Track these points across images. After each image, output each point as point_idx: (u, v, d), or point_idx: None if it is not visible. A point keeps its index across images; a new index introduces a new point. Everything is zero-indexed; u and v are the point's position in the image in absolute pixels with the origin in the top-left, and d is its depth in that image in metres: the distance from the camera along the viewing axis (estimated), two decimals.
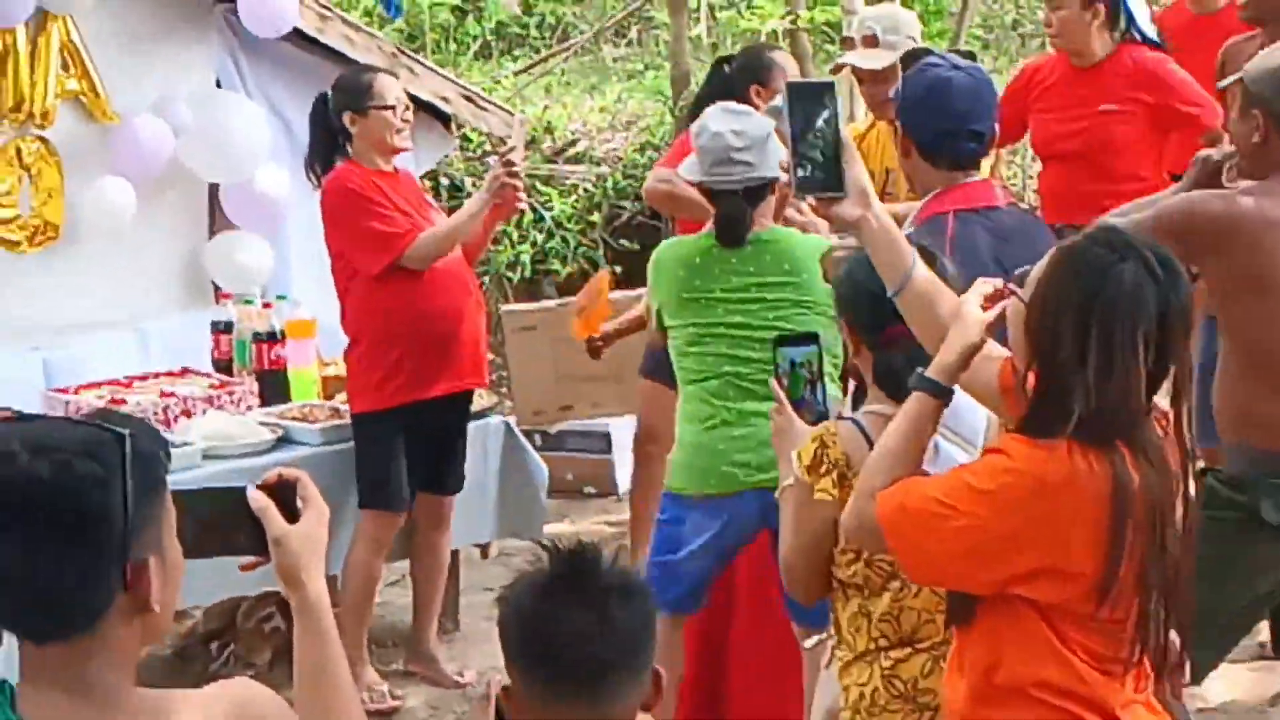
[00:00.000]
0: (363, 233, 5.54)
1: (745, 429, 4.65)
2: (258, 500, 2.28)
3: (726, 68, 6.40)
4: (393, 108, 5.61)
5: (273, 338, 6.12)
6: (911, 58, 5.26)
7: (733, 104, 5.02)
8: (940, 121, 3.96)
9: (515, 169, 5.52)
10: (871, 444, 3.12)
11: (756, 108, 6.12)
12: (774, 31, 11.80)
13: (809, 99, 3.02)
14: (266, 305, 6.37)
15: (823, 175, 3.02)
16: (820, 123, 3.01)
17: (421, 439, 5.66)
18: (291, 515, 2.29)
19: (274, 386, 6.06)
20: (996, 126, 4.07)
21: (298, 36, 6.99)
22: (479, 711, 2.63)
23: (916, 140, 4.00)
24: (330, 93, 5.73)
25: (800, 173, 3.02)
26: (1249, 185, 4.06)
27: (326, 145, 5.71)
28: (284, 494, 2.31)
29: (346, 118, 5.63)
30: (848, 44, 6.48)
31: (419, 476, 5.74)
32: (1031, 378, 2.74)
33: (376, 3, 11.51)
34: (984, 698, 2.83)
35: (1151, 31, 6.18)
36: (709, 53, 11.89)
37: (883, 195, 5.61)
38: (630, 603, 2.54)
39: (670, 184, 5.81)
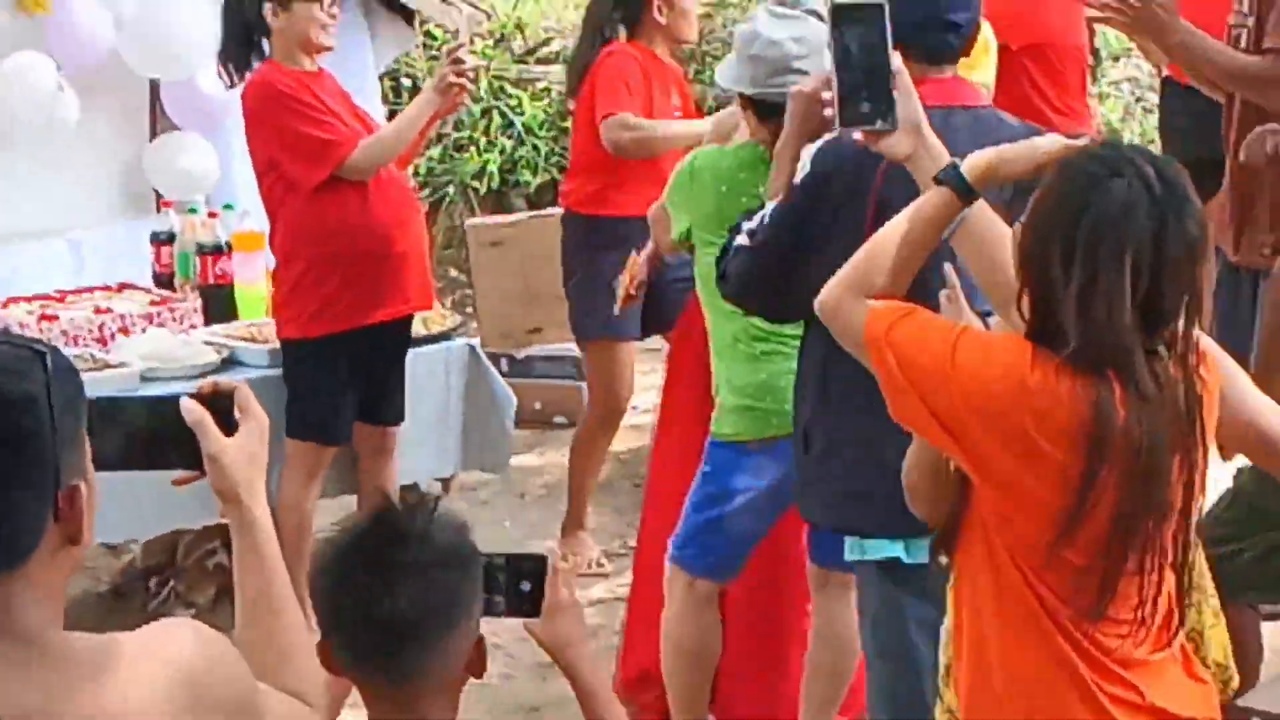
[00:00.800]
0: (297, 140, 5.43)
1: (771, 366, 4.59)
2: (192, 411, 2.26)
3: None
4: (319, 1, 5.47)
5: (218, 250, 6.10)
6: None
7: (782, 7, 4.90)
8: (913, 10, 3.84)
9: (464, 67, 5.43)
10: None
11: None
12: None
13: (856, 21, 2.95)
14: (212, 215, 6.32)
15: (871, 107, 2.96)
16: (868, 48, 2.95)
17: (361, 366, 5.59)
18: (229, 428, 2.28)
19: (219, 303, 6.04)
20: (980, 20, 3.92)
21: None
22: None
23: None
24: None
25: (845, 104, 2.95)
26: None
27: (242, 40, 5.57)
28: (220, 405, 2.29)
29: (268, 9, 5.48)
30: None
31: (357, 406, 5.68)
32: (1026, 299, 2.75)
33: None
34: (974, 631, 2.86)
35: None
36: None
37: None
38: (433, 570, 2.50)
39: (641, 130, 5.78)
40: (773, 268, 3.90)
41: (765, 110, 4.56)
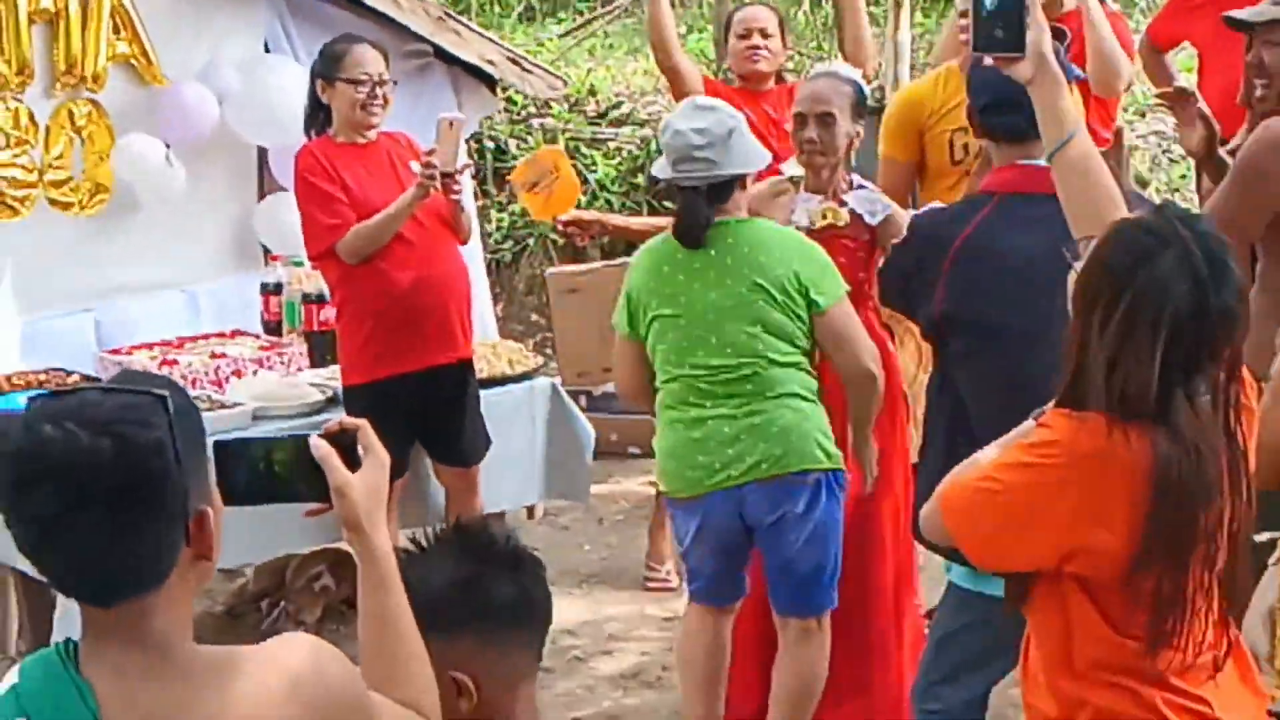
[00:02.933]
0: (305, 218, 5.53)
1: (701, 431, 4.60)
2: (320, 449, 2.27)
3: None
4: (360, 82, 5.47)
5: (321, 299, 6.13)
6: None
7: (700, 98, 4.94)
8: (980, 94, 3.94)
9: (433, 170, 5.35)
10: None
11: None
12: None
13: None
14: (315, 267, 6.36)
15: (1004, 34, 3.05)
16: None
17: (423, 410, 5.57)
18: (353, 464, 2.30)
19: (323, 347, 6.08)
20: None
21: (348, 0, 6.98)
22: None
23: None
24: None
25: (981, 32, 3.06)
26: None
27: (317, 110, 5.63)
28: (345, 442, 2.31)
29: (319, 84, 5.56)
30: None
31: (432, 448, 5.72)
32: (1069, 351, 2.75)
33: None
34: (1056, 677, 2.83)
35: None
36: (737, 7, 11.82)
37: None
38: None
39: None
40: (894, 299, 4.25)
41: (672, 195, 4.64)
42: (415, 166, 5.47)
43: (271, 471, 2.28)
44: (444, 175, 5.38)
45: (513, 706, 2.57)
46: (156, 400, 2.02)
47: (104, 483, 1.97)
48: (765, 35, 6.04)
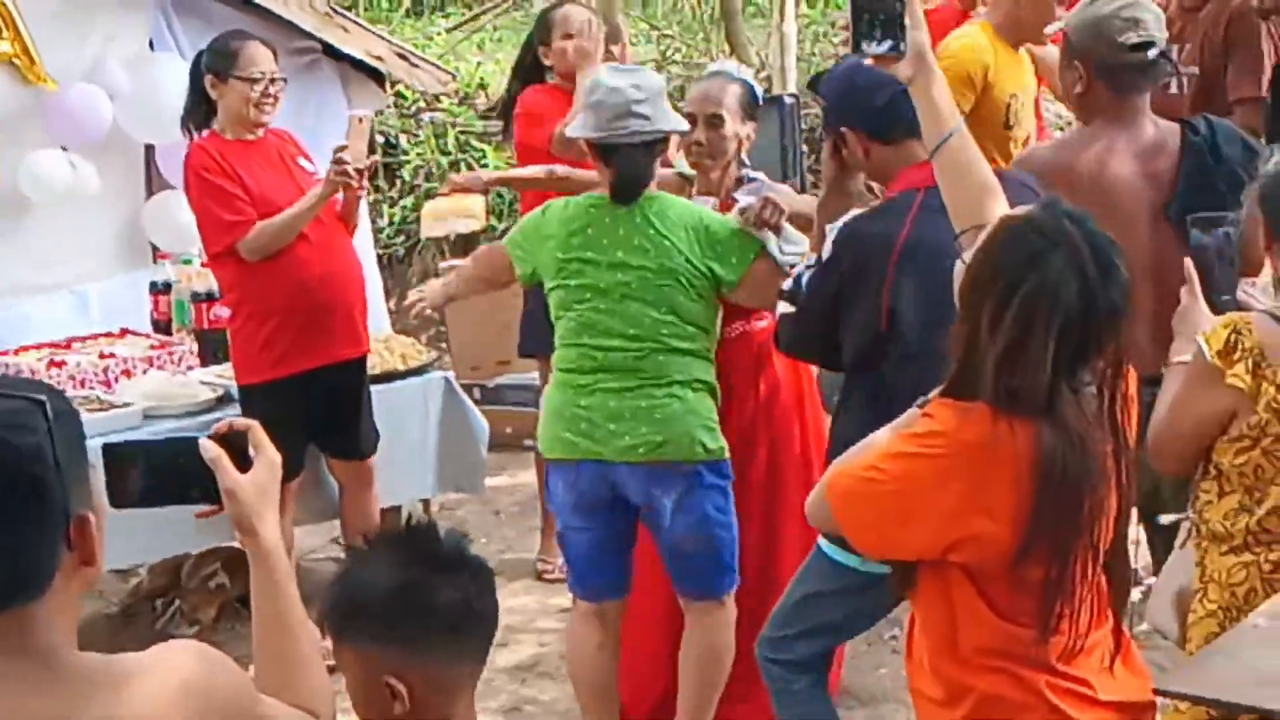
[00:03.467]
0: (203, 214, 5.48)
1: (588, 400, 4.56)
2: (210, 450, 2.25)
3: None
4: (255, 80, 5.44)
5: (211, 297, 6.09)
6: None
7: (617, 64, 4.92)
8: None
9: (345, 167, 5.33)
10: None
11: (548, 68, 6.19)
12: None
13: None
14: (205, 264, 6.30)
15: (883, 33, 3.07)
16: None
17: (320, 406, 5.56)
18: (243, 465, 2.28)
19: (213, 346, 6.03)
20: None
21: None
22: None
23: (865, 129, 3.98)
24: (203, 51, 5.60)
25: (859, 31, 3.07)
26: (1073, 132, 4.18)
27: (199, 105, 5.57)
28: (235, 443, 2.29)
29: (208, 80, 5.51)
30: None
31: (328, 443, 5.71)
32: (958, 344, 2.77)
33: None
34: (941, 663, 2.86)
35: None
36: (639, 8, 11.86)
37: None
38: None
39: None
40: (815, 327, 4.04)
41: (607, 153, 4.57)
42: (304, 163, 5.44)
43: (161, 474, 2.26)
44: (355, 171, 5.37)
45: (449, 714, 2.54)
46: (34, 405, 1.96)
47: None
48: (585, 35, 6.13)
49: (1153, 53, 4.21)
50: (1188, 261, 3.52)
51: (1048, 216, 2.77)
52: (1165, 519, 3.84)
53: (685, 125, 4.74)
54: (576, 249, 4.60)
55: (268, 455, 2.29)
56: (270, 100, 5.49)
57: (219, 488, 2.24)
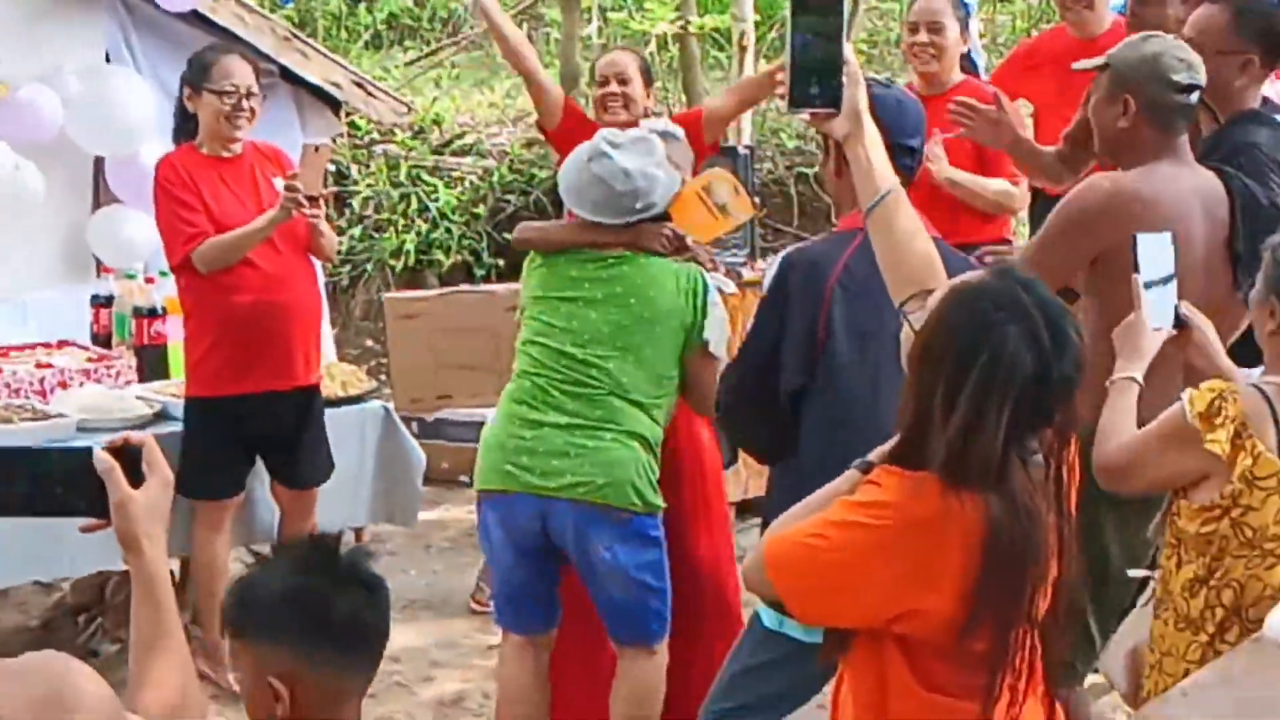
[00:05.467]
0: (163, 224, 5.47)
1: (533, 434, 4.54)
2: (103, 462, 2.21)
3: None
4: (226, 93, 5.41)
5: (153, 313, 6.05)
6: None
7: (610, 132, 4.85)
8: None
9: (297, 195, 5.23)
10: (1275, 413, 3.27)
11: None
12: (664, 35, 11.78)
13: (812, 11, 2.94)
14: (149, 280, 6.25)
15: (819, 91, 2.97)
16: (823, 36, 2.94)
17: (262, 432, 5.52)
18: (136, 480, 2.22)
19: (153, 362, 5.98)
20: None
21: (192, 15, 6.89)
22: None
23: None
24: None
25: (796, 87, 2.97)
26: (1144, 168, 4.10)
27: (187, 120, 5.54)
28: (130, 457, 2.24)
29: (185, 92, 5.49)
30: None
31: (275, 471, 5.65)
32: (906, 413, 2.70)
33: None
34: None
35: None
36: (599, 52, 11.84)
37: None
38: None
39: None
40: (760, 359, 3.92)
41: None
42: (278, 183, 5.37)
43: (50, 483, 2.19)
44: (308, 198, 5.29)
45: None
46: None
47: None
48: (623, 82, 6.02)
49: (1194, 96, 4.18)
50: (1135, 279, 3.56)
51: (1001, 285, 2.69)
52: (1133, 573, 3.83)
53: (675, 186, 4.69)
54: (550, 286, 4.64)
55: (161, 473, 2.26)
56: (244, 114, 5.44)
57: (108, 502, 2.19)
